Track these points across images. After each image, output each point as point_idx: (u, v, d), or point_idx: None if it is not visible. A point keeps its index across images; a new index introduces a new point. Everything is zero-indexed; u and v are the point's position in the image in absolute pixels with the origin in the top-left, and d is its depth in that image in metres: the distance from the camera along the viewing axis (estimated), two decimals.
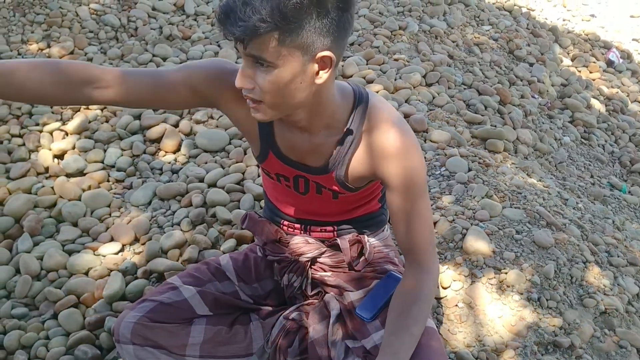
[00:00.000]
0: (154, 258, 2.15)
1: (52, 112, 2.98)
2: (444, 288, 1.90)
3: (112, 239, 2.28)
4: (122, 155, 2.78)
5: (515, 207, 2.23)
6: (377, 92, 2.94)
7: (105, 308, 1.99)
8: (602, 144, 3.66)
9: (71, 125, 2.88)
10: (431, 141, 2.68)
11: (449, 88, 3.35)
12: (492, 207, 2.19)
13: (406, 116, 2.78)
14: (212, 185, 2.51)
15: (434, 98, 3.16)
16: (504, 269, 1.92)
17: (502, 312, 1.81)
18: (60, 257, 2.16)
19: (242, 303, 1.54)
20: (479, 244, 1.98)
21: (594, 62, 4.53)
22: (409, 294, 1.31)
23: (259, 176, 2.53)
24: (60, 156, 2.76)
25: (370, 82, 3.11)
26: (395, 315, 1.29)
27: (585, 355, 1.74)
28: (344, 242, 1.48)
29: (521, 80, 3.85)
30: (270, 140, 1.34)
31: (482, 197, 2.26)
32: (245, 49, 1.05)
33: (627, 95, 4.27)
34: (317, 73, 1.11)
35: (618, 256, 2.15)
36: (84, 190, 2.52)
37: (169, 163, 2.73)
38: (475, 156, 2.60)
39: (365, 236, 1.51)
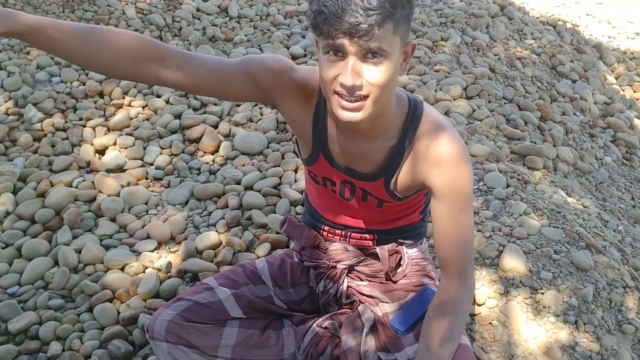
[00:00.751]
0: (188, 258, 2.17)
1: (96, 108, 3.04)
2: (479, 305, 1.88)
3: (148, 237, 2.31)
4: (161, 154, 2.82)
5: (554, 227, 2.19)
6: None
7: (139, 305, 2.01)
8: None
9: (113, 122, 2.94)
10: (470, 155, 2.65)
11: (489, 102, 3.32)
12: (530, 225, 2.16)
13: None
14: (249, 188, 2.52)
15: (473, 111, 3.14)
16: (541, 289, 1.89)
17: (537, 333, 1.77)
18: (98, 252, 2.19)
19: (276, 308, 1.54)
20: (515, 262, 1.95)
21: (639, 82, 4.44)
22: (444, 308, 1.30)
23: (296, 181, 2.53)
24: (101, 151, 2.81)
25: (410, 92, 3.08)
26: (429, 330, 1.28)
27: None
28: (383, 252, 1.47)
29: (563, 97, 3.79)
30: (322, 142, 1.34)
31: (520, 215, 2.23)
32: (369, 41, 1.01)
33: None
34: (401, 64, 1.12)
35: None
36: (123, 187, 2.56)
37: (207, 164, 2.75)
38: (514, 172, 2.57)
39: (404, 247, 1.50)
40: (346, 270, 1.54)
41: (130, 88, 3.18)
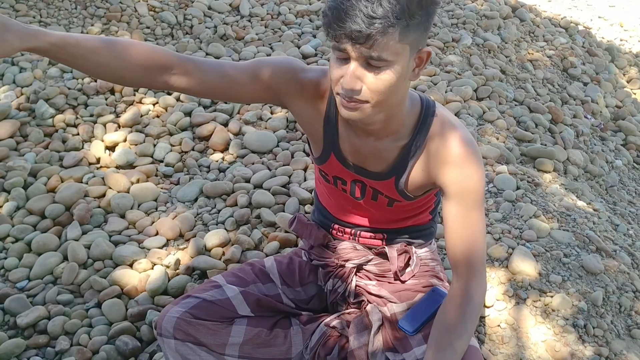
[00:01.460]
0: (197, 255, 2.17)
1: (107, 105, 3.05)
2: (487, 307, 1.87)
3: (157, 233, 2.32)
4: (171, 151, 2.83)
5: (563, 230, 2.18)
6: None
7: (147, 301, 2.02)
8: None
9: (124, 118, 2.95)
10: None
11: (499, 104, 3.31)
12: (540, 227, 2.15)
13: None
14: (258, 186, 2.52)
15: (484, 113, 3.12)
16: (550, 292, 1.88)
17: (545, 336, 1.76)
18: (107, 247, 2.20)
19: (284, 307, 1.54)
20: (525, 265, 1.94)
21: None
22: (454, 310, 1.28)
23: (305, 180, 2.53)
24: (111, 148, 2.82)
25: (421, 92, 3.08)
26: (439, 331, 1.27)
27: None
28: (392, 251, 1.47)
29: (574, 100, 3.77)
30: (334, 141, 1.34)
31: (530, 217, 2.22)
32: (370, 48, 1.00)
33: None
34: (414, 70, 1.11)
35: None
36: (132, 183, 2.56)
37: (217, 161, 2.76)
38: (524, 174, 2.56)
39: (413, 247, 1.50)
40: (355, 269, 1.53)
41: None
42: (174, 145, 2.86)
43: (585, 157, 3.18)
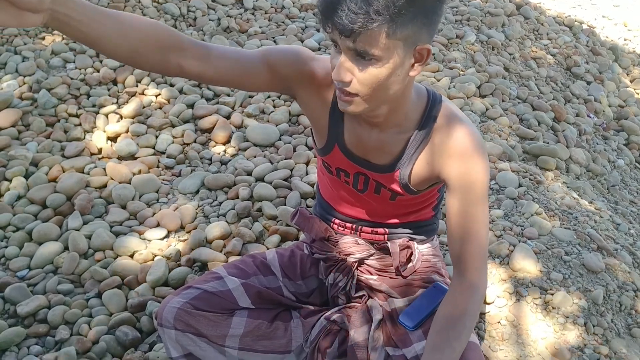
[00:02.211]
0: (198, 247, 2.17)
1: (109, 95, 3.05)
2: (488, 304, 1.87)
3: (158, 225, 2.32)
4: (173, 143, 2.82)
5: (565, 228, 2.18)
6: None
7: (147, 292, 2.02)
8: None
9: (126, 109, 2.94)
10: None
11: (503, 101, 3.30)
12: (542, 225, 2.15)
13: None
14: (260, 179, 2.52)
15: (487, 110, 3.12)
16: (551, 289, 1.87)
17: (545, 334, 1.76)
18: (108, 238, 2.20)
19: (284, 299, 1.54)
20: (526, 262, 1.94)
21: None
22: (454, 307, 1.28)
23: (307, 174, 2.53)
24: (113, 139, 2.81)
25: None
26: (438, 329, 1.26)
27: None
28: (394, 246, 1.47)
29: (577, 98, 3.77)
30: (338, 133, 1.33)
31: (532, 215, 2.21)
32: (354, 43, 1.01)
33: None
34: (413, 65, 1.10)
35: None
36: (134, 174, 2.56)
37: (219, 154, 2.76)
38: (526, 172, 2.55)
39: (415, 243, 1.49)
40: (356, 264, 1.53)
41: (144, 76, 3.18)
42: (176, 137, 2.85)
43: (587, 156, 3.18)
